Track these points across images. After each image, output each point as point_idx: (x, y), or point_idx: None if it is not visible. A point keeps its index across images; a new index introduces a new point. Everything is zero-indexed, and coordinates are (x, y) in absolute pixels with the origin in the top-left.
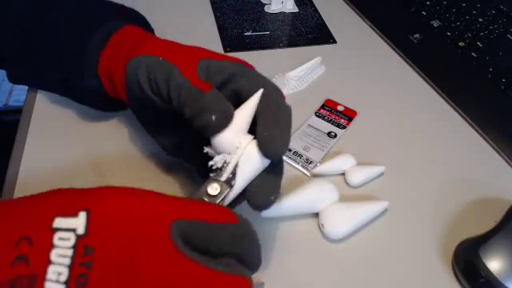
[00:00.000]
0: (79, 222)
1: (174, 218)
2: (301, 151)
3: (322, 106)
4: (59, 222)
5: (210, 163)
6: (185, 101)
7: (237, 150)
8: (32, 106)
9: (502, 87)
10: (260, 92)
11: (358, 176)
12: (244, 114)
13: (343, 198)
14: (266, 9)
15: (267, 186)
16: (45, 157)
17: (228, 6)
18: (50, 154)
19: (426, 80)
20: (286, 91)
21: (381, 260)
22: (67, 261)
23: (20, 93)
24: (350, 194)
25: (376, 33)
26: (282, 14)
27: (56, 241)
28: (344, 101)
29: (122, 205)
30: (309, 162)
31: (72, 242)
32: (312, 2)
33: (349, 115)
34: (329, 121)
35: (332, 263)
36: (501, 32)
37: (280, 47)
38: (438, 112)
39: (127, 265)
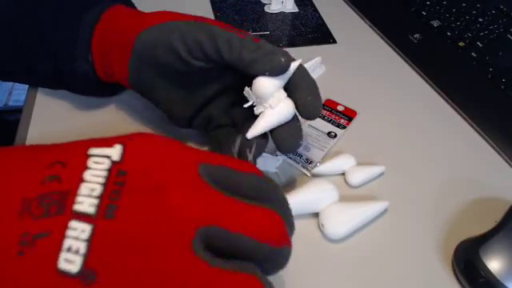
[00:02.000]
0: (115, 152)
1: (201, 161)
2: (301, 151)
3: (322, 106)
4: (94, 151)
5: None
6: (240, 48)
7: (274, 99)
8: (32, 106)
9: (502, 87)
10: (299, 62)
11: (358, 176)
12: (292, 68)
13: (343, 198)
14: (266, 9)
15: (295, 132)
16: None
17: (228, 5)
18: None
19: (426, 80)
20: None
21: (381, 260)
22: (101, 180)
23: (20, 93)
24: (350, 194)
25: (376, 33)
26: (282, 13)
27: (90, 164)
28: (344, 101)
29: (155, 143)
30: (309, 161)
31: (107, 165)
32: (312, 2)
33: (349, 115)
34: (329, 121)
35: (332, 263)
36: (501, 32)
37: (280, 47)
38: (438, 112)
39: (157, 189)
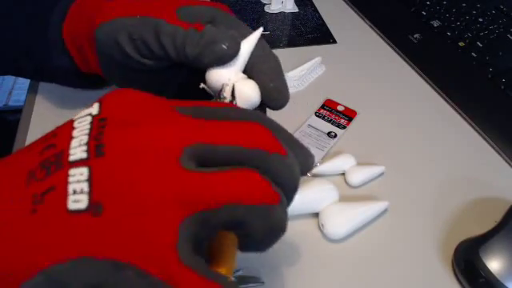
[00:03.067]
0: (93, 109)
1: (173, 104)
2: None
3: (322, 106)
4: (77, 115)
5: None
6: (183, 44)
7: (227, 89)
8: (32, 106)
9: (502, 87)
10: (259, 31)
11: (358, 176)
12: (244, 50)
13: (343, 198)
14: (266, 9)
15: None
16: None
17: (228, 6)
18: None
19: (426, 80)
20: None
21: (381, 260)
22: (86, 131)
23: (20, 93)
24: (350, 194)
25: (376, 33)
26: (282, 14)
27: (76, 124)
28: (344, 101)
29: (129, 92)
30: None
31: (89, 120)
32: (312, 2)
33: (349, 115)
34: (329, 121)
35: (332, 263)
36: (501, 32)
37: (280, 47)
38: (438, 112)
39: (137, 123)
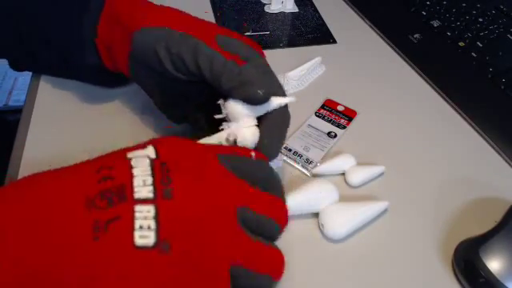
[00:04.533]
0: (149, 151)
1: (216, 152)
2: (301, 151)
3: (322, 106)
4: (131, 154)
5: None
6: (220, 72)
7: (238, 125)
8: (32, 106)
9: (502, 87)
10: (292, 99)
11: (358, 176)
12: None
13: (343, 198)
14: (266, 9)
15: (275, 138)
16: (45, 156)
17: (228, 5)
18: (50, 154)
19: (426, 80)
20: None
21: (381, 260)
22: (148, 172)
23: (20, 93)
24: (350, 194)
25: (376, 33)
26: (282, 14)
27: (133, 163)
28: (344, 101)
29: (178, 141)
30: (309, 162)
31: (147, 161)
32: (312, 2)
33: (349, 115)
34: (329, 121)
35: (332, 263)
36: (501, 32)
37: (280, 47)
38: (438, 112)
39: (196, 173)
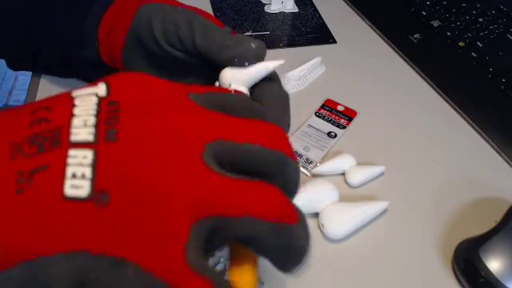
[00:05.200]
0: (99, 89)
1: (188, 90)
2: (301, 151)
3: (322, 106)
4: (78, 92)
5: None
6: (214, 35)
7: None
8: None
9: (502, 87)
10: (281, 61)
11: (358, 176)
12: (262, 66)
13: (343, 198)
14: (266, 9)
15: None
16: None
17: (228, 5)
18: None
19: (426, 80)
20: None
21: (381, 260)
22: (93, 111)
23: (20, 93)
24: (350, 194)
25: (376, 33)
26: (282, 14)
27: (77, 102)
28: (344, 101)
29: (139, 75)
30: (309, 162)
31: (94, 100)
32: (312, 2)
33: (349, 115)
34: (329, 121)
35: (332, 263)
36: (501, 32)
37: (280, 47)
38: (438, 112)
39: (154, 111)
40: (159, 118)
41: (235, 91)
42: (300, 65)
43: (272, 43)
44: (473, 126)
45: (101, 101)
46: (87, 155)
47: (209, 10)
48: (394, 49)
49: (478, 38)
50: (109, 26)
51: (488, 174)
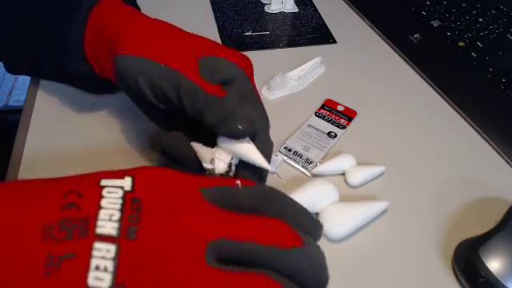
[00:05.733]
0: (126, 182)
1: (201, 186)
2: (301, 151)
3: (322, 106)
4: (106, 182)
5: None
6: (201, 109)
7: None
8: (32, 106)
9: (502, 87)
10: (266, 166)
11: (358, 176)
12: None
13: (343, 198)
14: (266, 9)
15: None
16: (45, 156)
17: (228, 5)
18: (50, 154)
19: (426, 80)
20: (285, 91)
21: (381, 260)
22: (118, 206)
23: (20, 93)
24: (350, 194)
25: (376, 33)
26: (282, 14)
27: (105, 193)
28: (344, 101)
29: (160, 173)
30: (309, 162)
31: (120, 194)
32: (312, 2)
33: (349, 115)
34: (329, 121)
35: (332, 263)
36: (501, 32)
37: (280, 47)
38: (438, 112)
39: (169, 213)
40: (173, 221)
41: (242, 183)
42: (300, 65)
43: (272, 43)
44: (473, 126)
45: (126, 195)
46: (110, 249)
47: (209, 9)
48: (393, 49)
49: (478, 38)
50: (92, 52)
51: (488, 174)
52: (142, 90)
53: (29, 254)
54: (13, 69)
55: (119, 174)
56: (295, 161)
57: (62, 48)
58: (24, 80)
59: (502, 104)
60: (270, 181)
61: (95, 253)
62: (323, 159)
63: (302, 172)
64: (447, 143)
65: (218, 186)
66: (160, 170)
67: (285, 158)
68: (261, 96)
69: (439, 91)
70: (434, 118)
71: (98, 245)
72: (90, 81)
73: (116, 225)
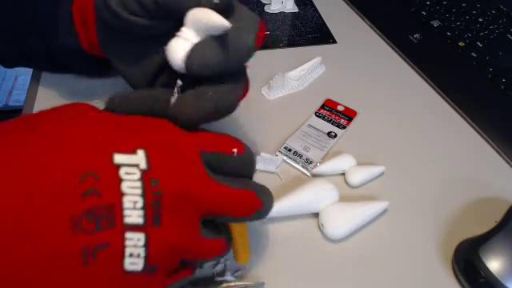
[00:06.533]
0: (140, 159)
1: (200, 150)
2: (301, 151)
3: (322, 106)
4: (120, 159)
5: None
6: None
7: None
8: (32, 106)
9: (502, 87)
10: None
11: (357, 176)
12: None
13: (343, 198)
14: (266, 9)
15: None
16: None
17: None
18: None
19: (426, 80)
20: (285, 91)
21: (381, 260)
22: (139, 191)
23: (20, 93)
24: (350, 194)
25: (376, 33)
26: (282, 13)
27: (123, 174)
28: (344, 101)
29: (167, 141)
30: (309, 162)
31: (138, 175)
32: (312, 2)
33: (349, 115)
34: (329, 121)
35: (332, 263)
36: (501, 32)
37: (280, 47)
38: (438, 112)
39: (184, 192)
40: (185, 201)
41: (238, 150)
42: (300, 65)
43: (272, 43)
44: (473, 126)
45: (143, 176)
46: (140, 238)
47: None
48: (393, 49)
49: (478, 38)
50: (80, 13)
51: (488, 174)
52: (109, 3)
53: (63, 246)
54: (4, 61)
55: (130, 146)
56: (295, 161)
57: (50, 24)
58: (24, 80)
59: (502, 104)
60: (271, 181)
61: (128, 242)
62: (323, 159)
63: (302, 172)
64: (447, 143)
65: (216, 151)
66: (166, 133)
67: (285, 157)
68: (261, 96)
69: (439, 91)
70: (433, 118)
71: (128, 234)
72: (80, 58)
73: (141, 212)
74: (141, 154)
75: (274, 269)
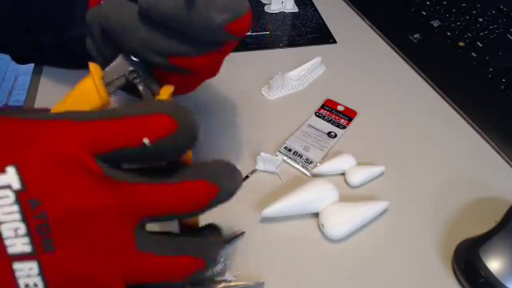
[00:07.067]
0: (11, 178)
1: (91, 150)
2: (301, 151)
3: (322, 106)
4: None
5: None
6: None
7: None
8: (32, 105)
9: (502, 87)
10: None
11: (357, 176)
12: None
13: (343, 198)
14: (266, 9)
15: None
16: None
17: None
18: None
19: (426, 80)
20: (285, 91)
21: (381, 260)
22: (17, 216)
23: (20, 93)
24: (350, 194)
25: (376, 33)
26: (282, 14)
27: None
28: (344, 101)
29: (46, 149)
30: (309, 162)
31: (12, 198)
32: (312, 2)
33: (349, 115)
34: (329, 121)
35: (332, 263)
36: (501, 32)
37: (280, 47)
38: (438, 112)
39: (73, 209)
40: (84, 221)
41: (150, 141)
42: (300, 65)
43: (272, 43)
44: (473, 126)
45: (19, 197)
46: (32, 267)
47: None
48: (393, 49)
49: (478, 38)
50: (96, 2)
51: (488, 174)
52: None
53: None
54: (18, 57)
55: None
56: (295, 161)
57: (64, 15)
58: (24, 80)
59: (502, 104)
60: (270, 181)
61: (18, 273)
62: (323, 159)
63: (302, 172)
64: (447, 143)
65: (114, 148)
66: (46, 139)
67: (285, 158)
68: (261, 96)
69: (439, 91)
70: (433, 118)
71: (17, 265)
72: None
73: (26, 240)
74: (11, 171)
75: (274, 269)
